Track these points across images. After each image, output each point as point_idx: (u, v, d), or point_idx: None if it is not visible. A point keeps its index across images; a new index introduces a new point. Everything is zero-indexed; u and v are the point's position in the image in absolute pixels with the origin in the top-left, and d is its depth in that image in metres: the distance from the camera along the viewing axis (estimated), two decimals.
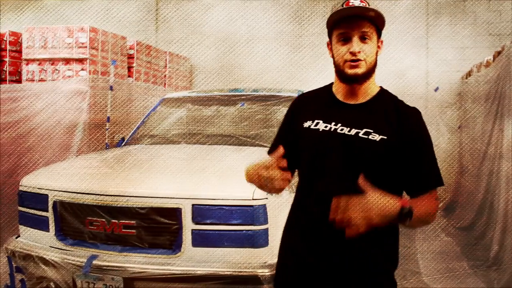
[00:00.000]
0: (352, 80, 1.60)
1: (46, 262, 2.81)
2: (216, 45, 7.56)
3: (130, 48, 6.17)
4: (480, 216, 4.87)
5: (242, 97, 4.00)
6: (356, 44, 1.56)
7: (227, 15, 7.49)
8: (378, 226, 1.42)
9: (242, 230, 2.60)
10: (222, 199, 2.62)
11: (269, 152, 1.76)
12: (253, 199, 2.58)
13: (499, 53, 4.75)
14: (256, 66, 7.11)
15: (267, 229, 2.60)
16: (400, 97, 1.71)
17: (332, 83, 1.72)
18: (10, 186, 4.31)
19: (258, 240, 2.59)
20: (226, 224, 2.61)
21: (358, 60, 1.56)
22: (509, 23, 7.04)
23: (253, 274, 2.52)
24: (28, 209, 3.07)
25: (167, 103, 4.28)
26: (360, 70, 1.57)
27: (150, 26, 7.93)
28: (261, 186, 1.59)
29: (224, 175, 2.79)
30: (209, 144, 3.59)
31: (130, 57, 6.16)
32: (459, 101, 6.87)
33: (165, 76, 7.02)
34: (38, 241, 2.98)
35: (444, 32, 7.23)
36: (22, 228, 3.11)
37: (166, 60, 7.06)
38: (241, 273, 2.55)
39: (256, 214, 2.60)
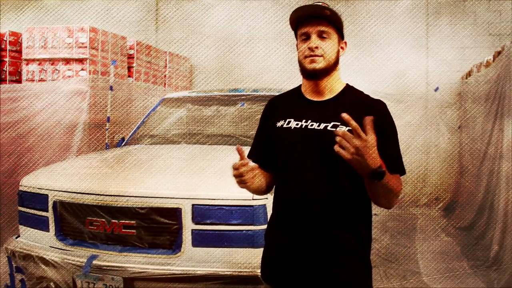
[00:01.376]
0: (312, 75, 1.70)
1: (46, 262, 2.81)
2: (216, 45, 7.56)
3: (130, 48, 6.17)
4: (480, 216, 4.87)
5: (242, 97, 4.00)
6: (313, 40, 1.67)
7: (227, 15, 7.49)
8: (356, 167, 1.44)
9: (242, 230, 2.60)
10: (222, 199, 2.62)
11: (249, 156, 1.86)
12: (253, 199, 2.58)
13: (499, 53, 4.75)
14: (256, 66, 7.11)
15: None
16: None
17: (300, 85, 1.82)
18: (10, 186, 4.31)
19: (258, 240, 2.58)
20: (226, 224, 2.61)
21: (316, 55, 1.66)
22: (509, 23, 7.04)
23: (253, 274, 2.52)
24: (28, 209, 3.06)
25: (167, 103, 4.28)
26: (318, 65, 1.67)
27: (150, 26, 7.93)
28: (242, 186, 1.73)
29: (224, 175, 2.77)
30: (209, 144, 3.59)
31: (130, 57, 6.16)
32: (459, 101, 6.87)
33: (165, 76, 7.02)
34: (38, 241, 2.98)
35: (444, 32, 7.23)
36: (22, 228, 3.11)
37: (166, 60, 7.06)
38: (241, 273, 2.55)
39: (256, 214, 2.60)
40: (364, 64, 6.70)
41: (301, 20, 1.70)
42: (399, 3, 7.11)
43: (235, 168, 1.60)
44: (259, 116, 1.89)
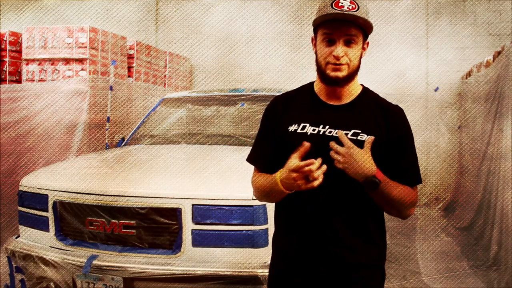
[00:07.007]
0: (333, 83, 1.60)
1: (46, 262, 2.81)
2: (216, 45, 7.57)
3: (130, 48, 6.17)
4: (480, 216, 4.87)
5: (242, 97, 4.00)
6: (340, 48, 1.56)
7: (227, 15, 7.49)
8: (351, 176, 1.49)
9: (242, 230, 2.60)
10: (222, 199, 2.62)
11: (249, 160, 1.76)
12: (253, 199, 2.58)
13: (499, 53, 4.75)
14: (256, 66, 7.11)
15: (267, 229, 2.60)
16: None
17: (312, 83, 1.72)
18: (10, 186, 4.31)
19: (258, 240, 2.59)
20: (226, 224, 2.61)
21: (341, 64, 1.57)
22: (509, 23, 7.04)
23: (253, 274, 2.52)
24: (28, 209, 3.06)
25: (167, 103, 4.28)
26: (341, 74, 1.58)
27: (150, 26, 7.93)
28: (267, 198, 1.68)
29: (224, 175, 2.79)
30: (209, 144, 3.59)
31: (130, 57, 6.16)
32: (459, 101, 6.87)
33: (165, 76, 7.02)
34: (38, 241, 2.98)
35: (444, 32, 7.23)
36: (22, 228, 3.11)
37: (166, 60, 7.06)
38: (241, 273, 2.55)
39: (256, 214, 2.60)
40: (364, 64, 6.67)
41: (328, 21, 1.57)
42: (399, 3, 7.11)
43: (297, 169, 1.44)
44: (259, 116, 1.82)
